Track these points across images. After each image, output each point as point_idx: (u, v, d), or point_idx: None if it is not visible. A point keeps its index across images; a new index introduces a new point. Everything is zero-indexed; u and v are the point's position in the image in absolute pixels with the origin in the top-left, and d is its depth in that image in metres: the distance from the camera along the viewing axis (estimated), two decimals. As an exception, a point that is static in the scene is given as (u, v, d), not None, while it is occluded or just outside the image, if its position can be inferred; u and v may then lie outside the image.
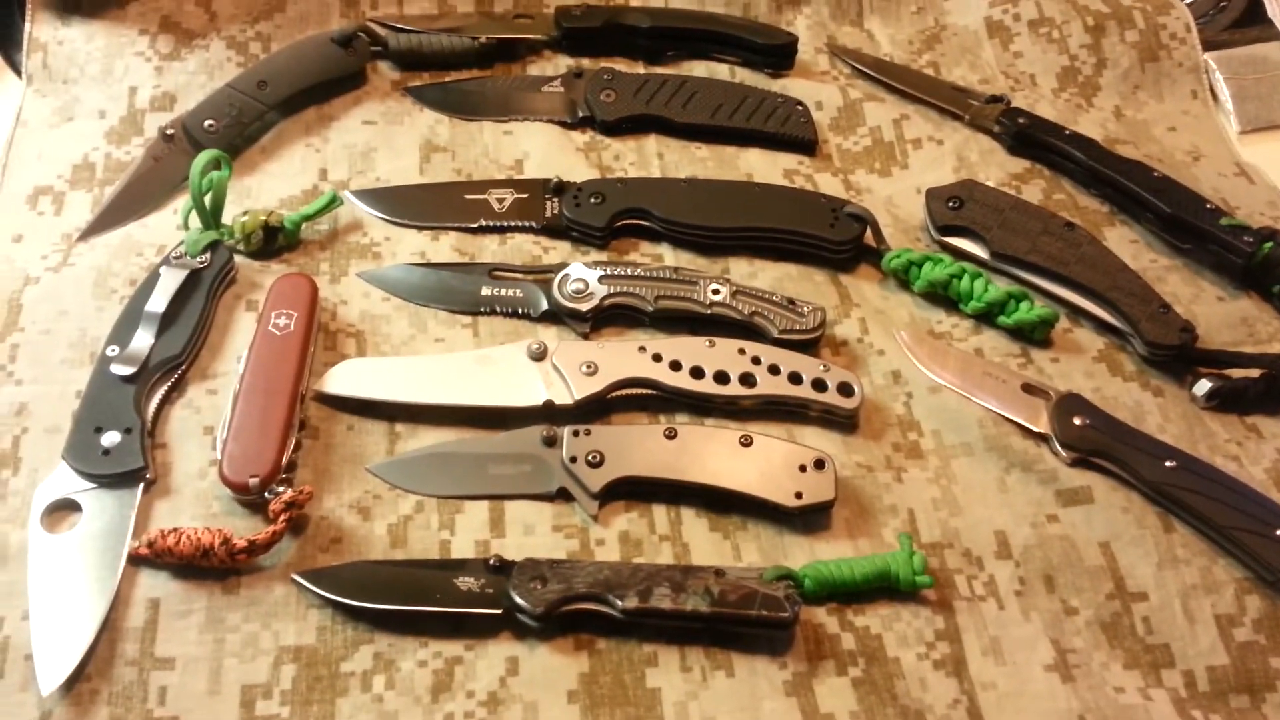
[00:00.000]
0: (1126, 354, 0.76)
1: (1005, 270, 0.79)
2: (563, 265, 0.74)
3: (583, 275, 0.74)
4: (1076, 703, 0.60)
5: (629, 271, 0.74)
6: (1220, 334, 0.77)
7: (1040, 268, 0.78)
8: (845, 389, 0.69)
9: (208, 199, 0.71)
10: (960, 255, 0.79)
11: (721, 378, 0.69)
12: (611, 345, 0.71)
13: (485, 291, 0.74)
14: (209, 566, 0.59)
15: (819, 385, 0.69)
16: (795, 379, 0.69)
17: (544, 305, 0.73)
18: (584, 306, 0.73)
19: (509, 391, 0.69)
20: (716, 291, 0.73)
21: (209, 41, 0.86)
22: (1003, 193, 0.82)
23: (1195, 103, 0.96)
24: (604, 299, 0.73)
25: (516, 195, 0.80)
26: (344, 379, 0.69)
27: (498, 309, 0.74)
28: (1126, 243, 0.82)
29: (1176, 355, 0.74)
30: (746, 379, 0.69)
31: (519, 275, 0.75)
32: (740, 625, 0.60)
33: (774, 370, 0.70)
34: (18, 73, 0.86)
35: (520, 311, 0.74)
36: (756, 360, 0.70)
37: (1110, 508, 0.67)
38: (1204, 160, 0.90)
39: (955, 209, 0.80)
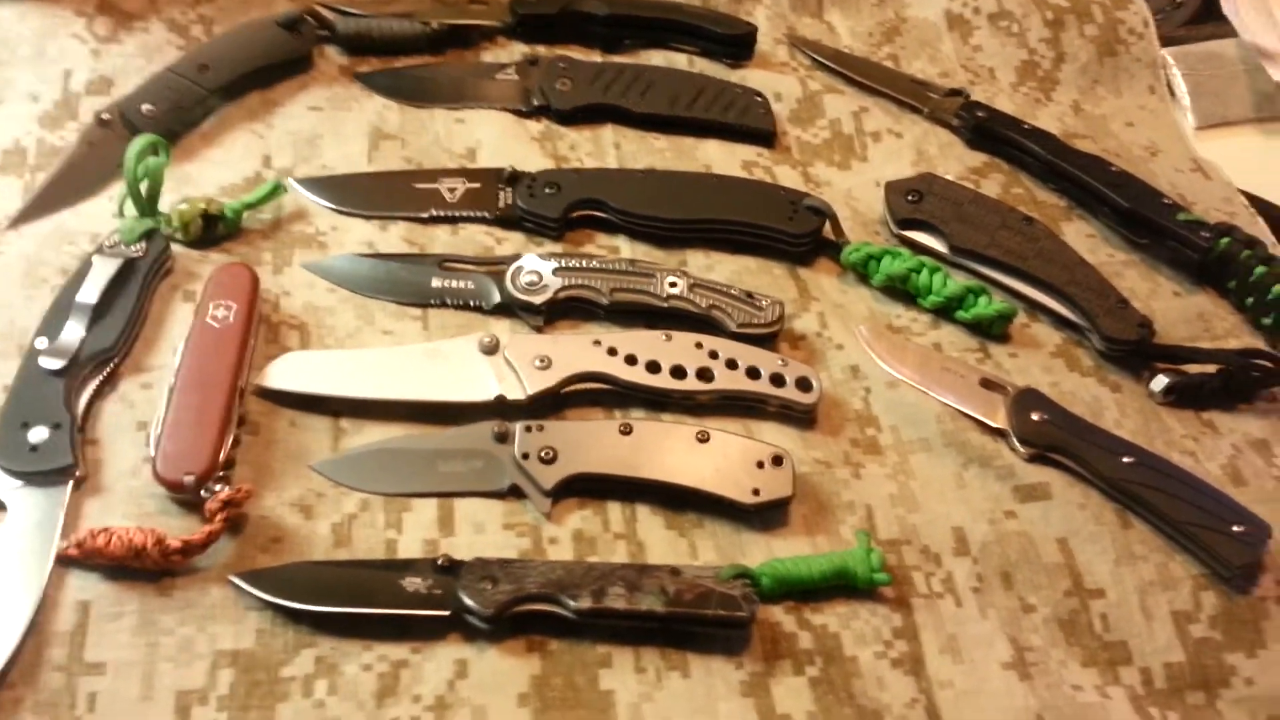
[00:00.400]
0: (1084, 349, 0.75)
1: (964, 265, 0.78)
2: (516, 257, 0.72)
3: (536, 267, 0.72)
4: (1034, 701, 0.59)
5: (584, 264, 0.72)
6: (1177, 329, 0.77)
7: (999, 262, 0.77)
8: (803, 384, 0.68)
9: (143, 185, 0.68)
10: (919, 249, 0.79)
11: (678, 372, 0.68)
12: (565, 339, 0.69)
13: (436, 283, 0.72)
14: (142, 568, 0.56)
15: (777, 380, 0.68)
16: (753, 374, 0.68)
17: (496, 298, 0.71)
18: (537, 299, 0.71)
19: (459, 386, 0.67)
20: (674, 284, 0.72)
21: (149, 24, 0.83)
22: (962, 187, 0.82)
23: (1153, 98, 0.96)
24: (558, 291, 0.71)
25: (469, 185, 0.78)
26: (286, 373, 0.66)
27: (448, 301, 0.72)
28: (1084, 237, 0.82)
29: (1134, 350, 0.74)
30: (704, 374, 0.68)
31: (471, 267, 0.73)
32: (696, 625, 0.58)
33: (731, 365, 0.68)
34: (-55, 53, 0.82)
35: (472, 304, 0.72)
36: (714, 354, 0.68)
37: (1068, 504, 0.66)
38: (1161, 155, 0.91)
39: (914, 202, 0.79)
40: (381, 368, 0.67)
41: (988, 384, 0.70)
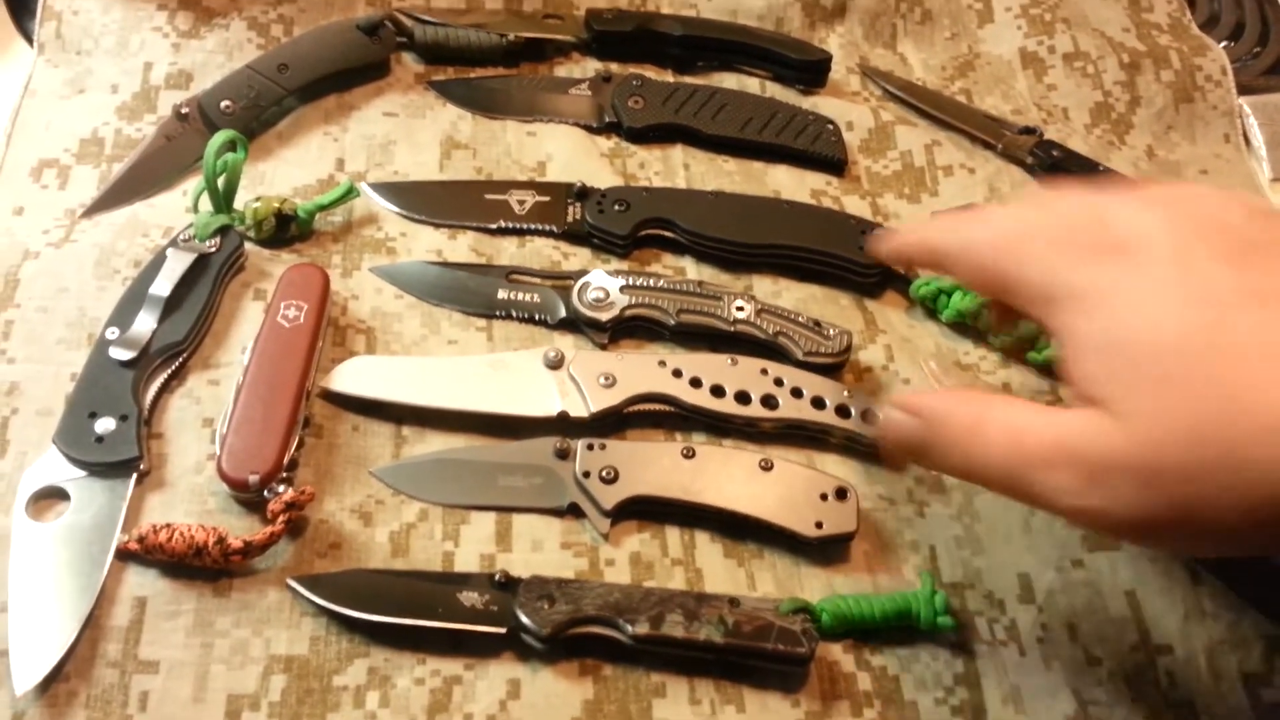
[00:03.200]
0: (1156, 398, 0.74)
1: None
2: (583, 272, 0.72)
3: (604, 284, 0.71)
4: (1098, 758, 0.57)
5: (652, 283, 0.71)
6: (1252, 383, 0.75)
7: None
8: (869, 416, 0.67)
9: (221, 181, 0.68)
10: None
11: (742, 398, 0.67)
12: (631, 358, 0.68)
13: (502, 295, 0.71)
14: (201, 566, 0.56)
15: (842, 411, 0.67)
16: (818, 403, 0.67)
17: (562, 312, 0.71)
18: (603, 316, 0.70)
19: (522, 400, 0.66)
20: (741, 309, 0.71)
21: (229, 21, 0.84)
22: None
23: (1228, 147, 0.94)
24: (624, 309, 0.70)
25: (538, 198, 0.78)
26: (351, 377, 0.66)
27: (514, 313, 0.71)
28: (1158, 285, 0.80)
29: None
30: (768, 400, 0.67)
31: (538, 280, 0.72)
32: (754, 659, 0.57)
33: (796, 393, 0.67)
34: (29, 40, 0.83)
35: (537, 317, 0.71)
36: (779, 382, 0.68)
37: (1137, 556, 0.65)
38: (1236, 205, 0.89)
39: None
40: (446, 377, 0.67)
41: (1059, 429, 0.69)
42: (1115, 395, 0.43)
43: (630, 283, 0.71)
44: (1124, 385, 0.42)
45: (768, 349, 0.71)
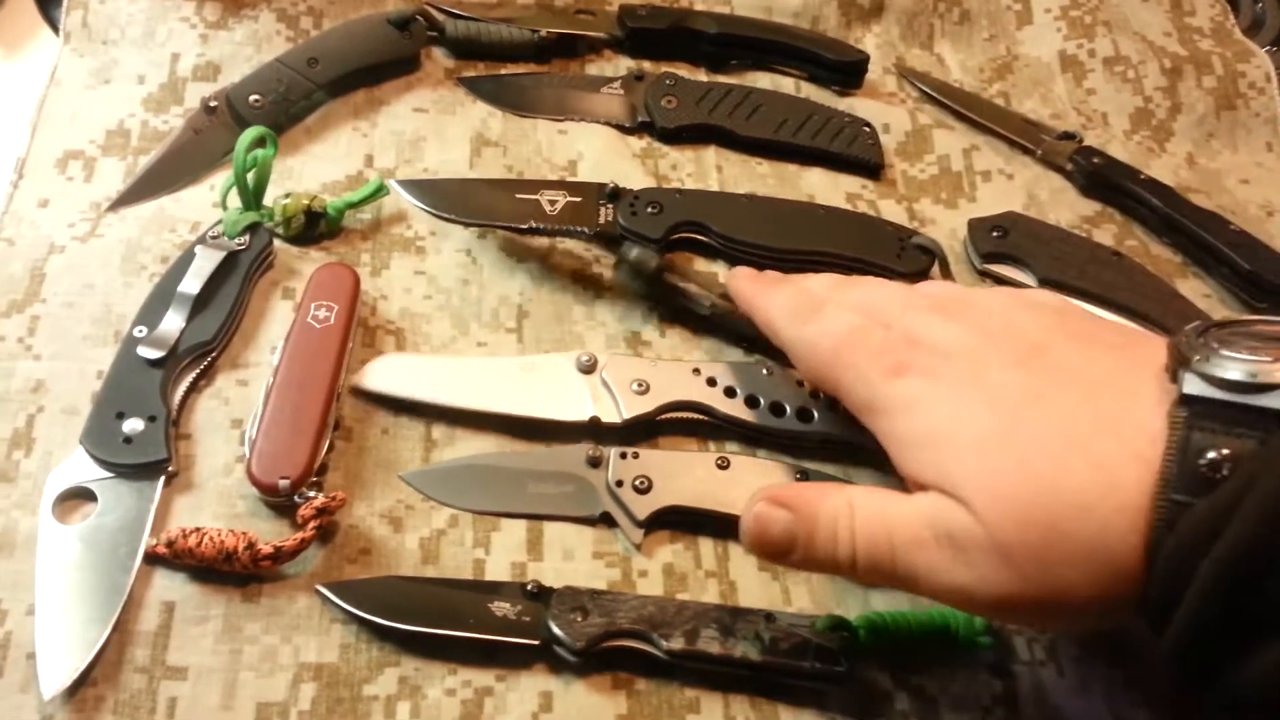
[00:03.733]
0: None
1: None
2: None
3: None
4: (1138, 783, 0.56)
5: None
6: (1296, 398, 0.73)
7: (1091, 294, 0.75)
8: None
9: (250, 178, 0.67)
10: (1006, 284, 0.76)
11: (777, 410, 0.66)
12: (665, 365, 0.67)
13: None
14: (230, 571, 0.55)
15: None
16: (855, 420, 0.65)
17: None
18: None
19: (554, 403, 0.65)
20: None
21: (258, 12, 0.82)
22: (1046, 223, 0.80)
23: (1270, 155, 0.92)
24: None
25: (569, 198, 0.76)
26: (382, 375, 0.65)
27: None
28: (1199, 296, 0.79)
29: None
30: (803, 413, 0.66)
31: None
32: (791, 676, 0.56)
33: (832, 406, 0.66)
34: (55, 30, 0.82)
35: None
36: (815, 394, 0.66)
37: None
38: (1278, 215, 0.87)
39: (1000, 237, 0.77)
40: (477, 377, 0.66)
41: (1100, 444, 0.67)
42: (949, 483, 0.47)
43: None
44: (951, 474, 0.47)
45: None
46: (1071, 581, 0.43)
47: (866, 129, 0.84)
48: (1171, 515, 0.41)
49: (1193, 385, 0.42)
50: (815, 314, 0.59)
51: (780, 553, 0.52)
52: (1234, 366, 0.42)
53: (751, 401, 0.66)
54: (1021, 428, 0.46)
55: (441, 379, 0.65)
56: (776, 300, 0.62)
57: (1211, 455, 0.41)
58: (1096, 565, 0.43)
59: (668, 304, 0.72)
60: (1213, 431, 0.41)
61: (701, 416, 0.66)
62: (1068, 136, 0.87)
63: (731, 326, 0.70)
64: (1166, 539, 0.41)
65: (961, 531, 0.46)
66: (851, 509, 0.50)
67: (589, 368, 0.66)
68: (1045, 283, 0.76)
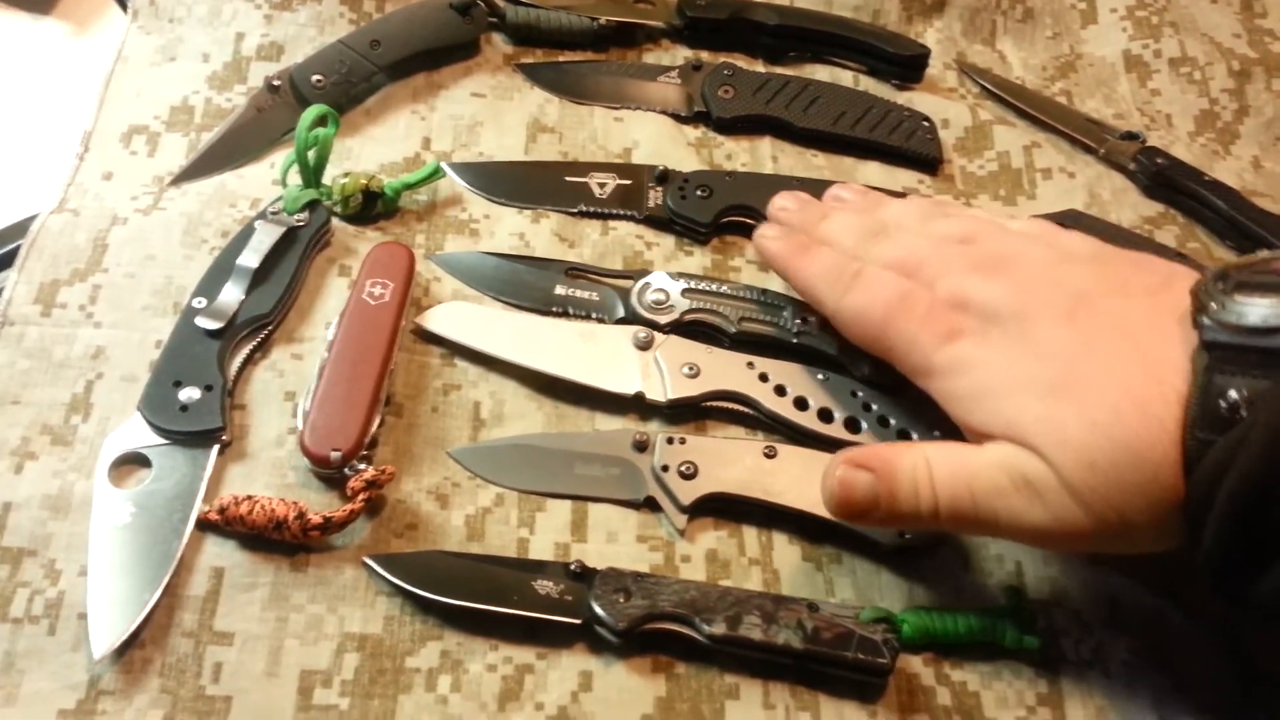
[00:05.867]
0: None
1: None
2: (645, 273, 0.70)
3: (664, 286, 0.69)
4: (1185, 786, 0.55)
5: (714, 288, 0.69)
6: (1361, 409, 0.72)
7: None
8: None
9: (311, 156, 0.68)
10: None
11: (825, 415, 0.65)
12: (720, 353, 0.67)
13: (560, 291, 0.70)
14: (279, 540, 0.56)
15: None
16: (904, 436, 0.64)
17: (620, 312, 0.69)
18: (663, 319, 0.68)
19: (604, 373, 0.65)
20: (805, 320, 0.68)
21: (322, -6, 0.83)
22: (1108, 222, 0.78)
23: (1339, 160, 0.90)
24: (684, 313, 0.68)
25: (619, 181, 0.76)
26: (446, 319, 0.66)
27: (570, 310, 0.69)
28: (1262, 300, 0.77)
29: None
30: (851, 424, 0.65)
31: (597, 278, 0.71)
32: (833, 666, 0.55)
33: (883, 422, 0.64)
34: (123, 7, 0.83)
35: (594, 315, 0.69)
36: (868, 407, 0.65)
37: (1234, 583, 0.62)
38: (1345, 222, 0.85)
39: None
40: (535, 336, 0.67)
41: (1156, 446, 0.66)
42: (1017, 432, 0.50)
43: (692, 286, 0.69)
44: (1019, 424, 0.50)
45: (830, 362, 0.68)
46: (1133, 515, 0.47)
47: (925, 123, 0.83)
48: (1198, 453, 0.45)
49: (1211, 332, 0.46)
50: (855, 280, 0.60)
51: (864, 512, 0.54)
52: (1251, 312, 0.45)
53: (800, 403, 0.65)
54: (1076, 377, 0.49)
55: (501, 331, 0.66)
56: (812, 269, 0.63)
57: (1233, 395, 0.44)
58: (1151, 501, 0.47)
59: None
60: (1231, 374, 0.44)
61: (746, 409, 0.66)
62: (1131, 136, 0.85)
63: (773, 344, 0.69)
64: (1195, 473, 0.45)
65: (1037, 477, 0.49)
66: (929, 463, 0.53)
67: (645, 344, 0.66)
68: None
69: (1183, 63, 0.92)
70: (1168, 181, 0.82)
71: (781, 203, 0.69)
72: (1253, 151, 0.89)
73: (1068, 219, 0.77)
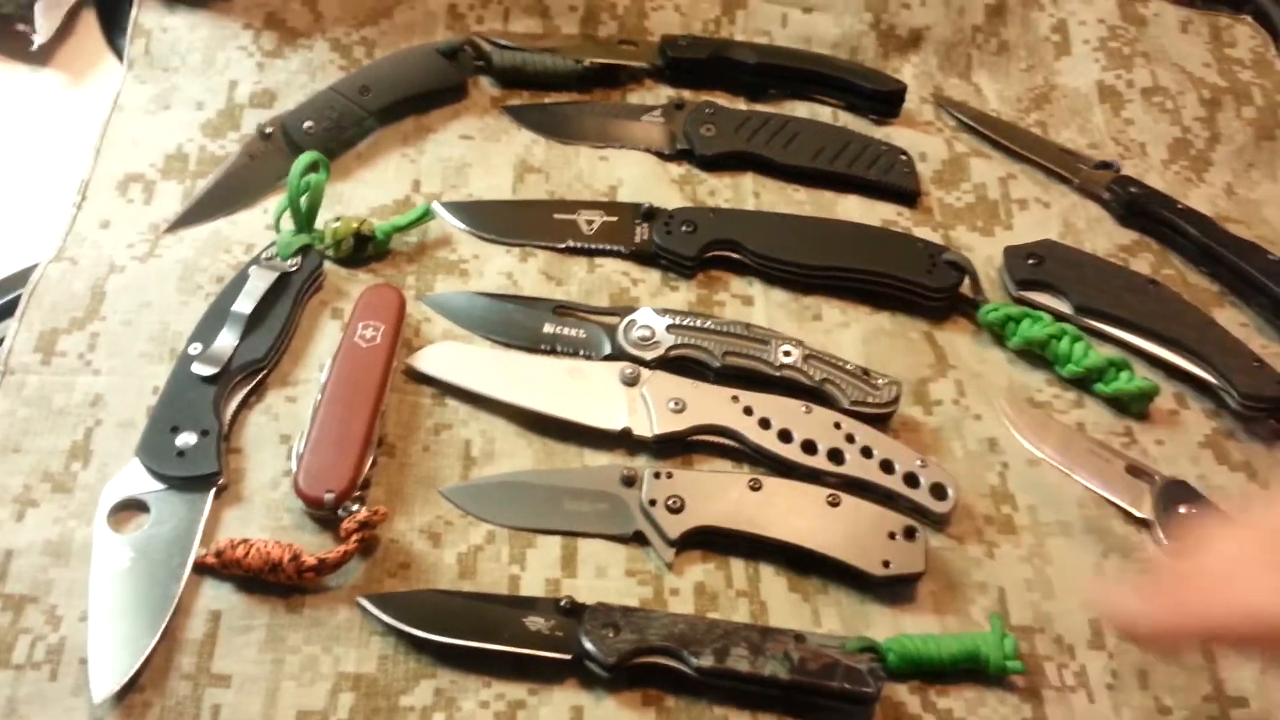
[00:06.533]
0: (1235, 441, 0.72)
1: (1089, 326, 0.76)
2: (630, 309, 0.72)
3: (650, 322, 0.71)
4: (1169, 812, 0.56)
5: (699, 324, 0.71)
6: (1336, 430, 0.73)
7: (1126, 321, 0.76)
8: (939, 491, 0.65)
9: (304, 201, 0.69)
10: (1041, 310, 0.76)
11: (809, 447, 0.66)
12: (705, 388, 0.68)
13: (548, 329, 0.71)
14: (275, 582, 0.57)
15: (911, 480, 0.65)
16: (887, 467, 0.66)
17: (607, 349, 0.71)
18: (648, 355, 0.70)
19: (592, 410, 0.67)
20: (788, 354, 0.70)
21: (313, 42, 0.85)
22: (1082, 251, 0.80)
23: (1311, 186, 0.92)
24: (670, 349, 0.70)
25: (606, 218, 0.78)
26: (437, 359, 0.68)
27: (559, 348, 0.71)
28: (1236, 325, 0.79)
29: (1271, 410, 0.72)
30: (835, 455, 0.66)
31: (584, 315, 0.72)
32: (820, 696, 0.57)
33: (866, 453, 0.66)
34: (119, 57, 0.85)
35: (582, 353, 0.71)
36: (850, 438, 0.66)
37: (1212, 606, 0.63)
38: (1318, 247, 0.87)
39: (1035, 265, 0.78)
40: (524, 374, 0.68)
41: (1134, 470, 0.68)
42: None
43: (677, 322, 0.71)
44: None
45: (814, 395, 0.69)
46: None
47: (903, 157, 0.85)
48: None
49: None
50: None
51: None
52: None
53: (785, 436, 0.66)
54: None
55: (490, 370, 0.68)
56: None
57: None
58: None
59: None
60: None
61: (732, 443, 0.67)
62: (1105, 166, 0.87)
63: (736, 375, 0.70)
64: None
65: None
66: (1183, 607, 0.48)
67: (632, 380, 0.68)
68: (1081, 310, 0.76)
69: (1155, 92, 0.94)
70: (1141, 210, 0.84)
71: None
72: (1225, 178, 0.92)
73: (1042, 249, 0.78)
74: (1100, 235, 0.84)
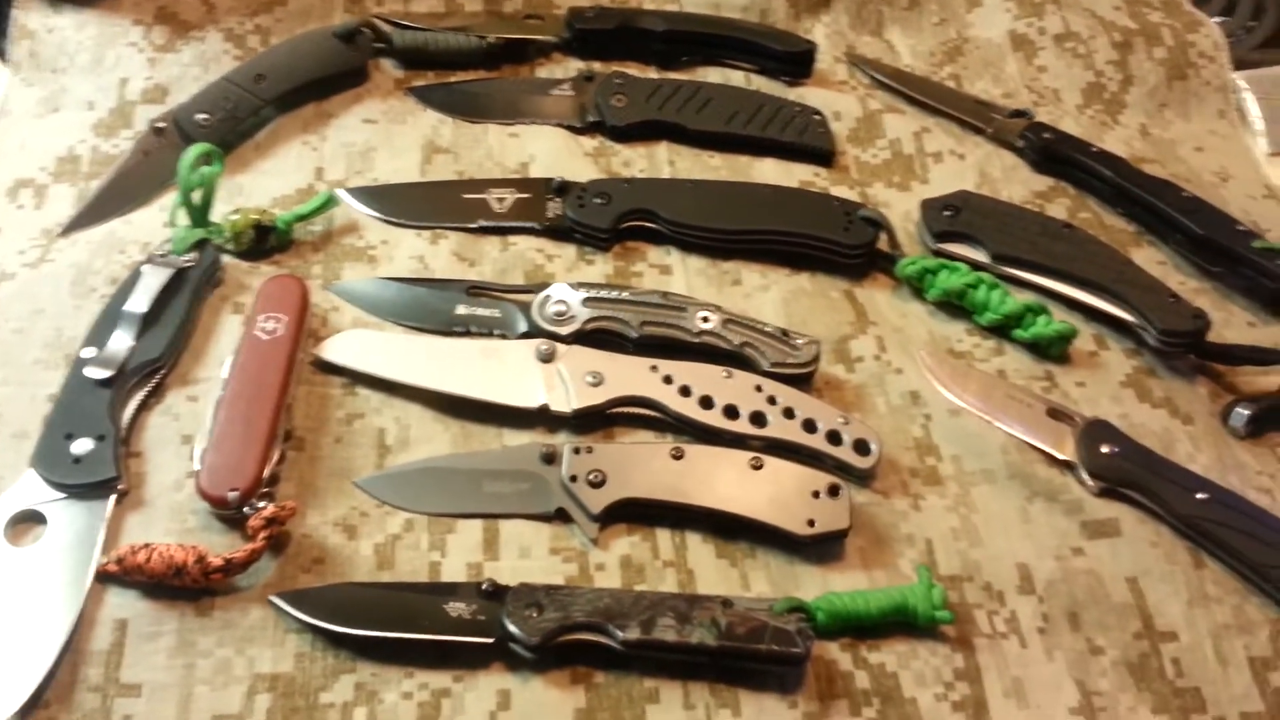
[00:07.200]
0: (1155, 379, 0.72)
1: (1007, 274, 0.76)
2: (544, 285, 0.70)
3: (565, 297, 0.70)
4: (1104, 750, 0.56)
5: (614, 295, 0.70)
6: (1252, 360, 0.74)
7: (1044, 266, 0.76)
8: (861, 446, 0.65)
9: (196, 195, 0.67)
10: (959, 261, 0.76)
11: (731, 412, 0.65)
12: (623, 359, 0.67)
13: (461, 310, 0.70)
14: (181, 586, 0.55)
15: (834, 438, 0.65)
16: (809, 427, 0.65)
17: (522, 327, 0.69)
18: (564, 330, 0.69)
19: (508, 389, 0.66)
20: (706, 319, 0.69)
21: (205, 34, 0.83)
22: (999, 200, 0.80)
23: (1223, 123, 0.93)
24: (586, 322, 0.69)
25: (518, 195, 0.77)
26: (344, 348, 0.66)
27: (473, 329, 0.69)
28: (1154, 264, 0.79)
29: (1189, 345, 0.72)
30: (757, 418, 0.65)
31: (498, 294, 0.71)
32: (749, 660, 0.56)
33: (788, 414, 0.65)
34: (4, 59, 0.82)
35: (497, 333, 0.69)
36: (772, 400, 0.66)
37: (1138, 541, 0.63)
38: (1232, 181, 0.87)
39: (952, 216, 0.77)
40: (437, 357, 0.67)
41: (1055, 414, 0.67)
42: None
43: (593, 295, 0.70)
44: None
45: (734, 359, 0.69)
46: None
47: (817, 117, 0.84)
48: None
49: None
50: None
51: None
52: None
53: (706, 402, 0.66)
54: None
55: (401, 355, 0.66)
56: None
57: None
58: None
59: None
60: None
61: (654, 413, 0.66)
62: (1019, 114, 0.87)
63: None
64: None
65: None
66: None
67: (548, 356, 0.67)
68: (999, 259, 0.76)
69: (1067, 38, 0.94)
70: (1055, 155, 0.84)
71: None
72: (1139, 119, 0.92)
73: (957, 200, 0.78)
74: (1016, 183, 0.83)
